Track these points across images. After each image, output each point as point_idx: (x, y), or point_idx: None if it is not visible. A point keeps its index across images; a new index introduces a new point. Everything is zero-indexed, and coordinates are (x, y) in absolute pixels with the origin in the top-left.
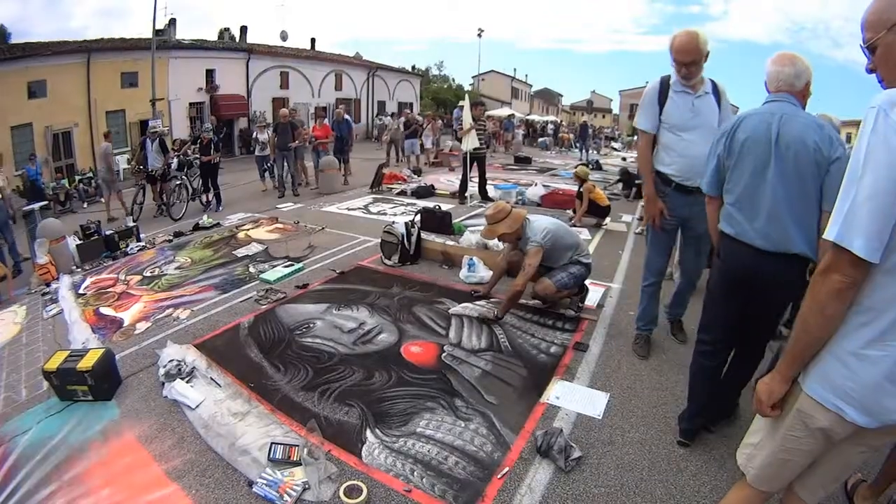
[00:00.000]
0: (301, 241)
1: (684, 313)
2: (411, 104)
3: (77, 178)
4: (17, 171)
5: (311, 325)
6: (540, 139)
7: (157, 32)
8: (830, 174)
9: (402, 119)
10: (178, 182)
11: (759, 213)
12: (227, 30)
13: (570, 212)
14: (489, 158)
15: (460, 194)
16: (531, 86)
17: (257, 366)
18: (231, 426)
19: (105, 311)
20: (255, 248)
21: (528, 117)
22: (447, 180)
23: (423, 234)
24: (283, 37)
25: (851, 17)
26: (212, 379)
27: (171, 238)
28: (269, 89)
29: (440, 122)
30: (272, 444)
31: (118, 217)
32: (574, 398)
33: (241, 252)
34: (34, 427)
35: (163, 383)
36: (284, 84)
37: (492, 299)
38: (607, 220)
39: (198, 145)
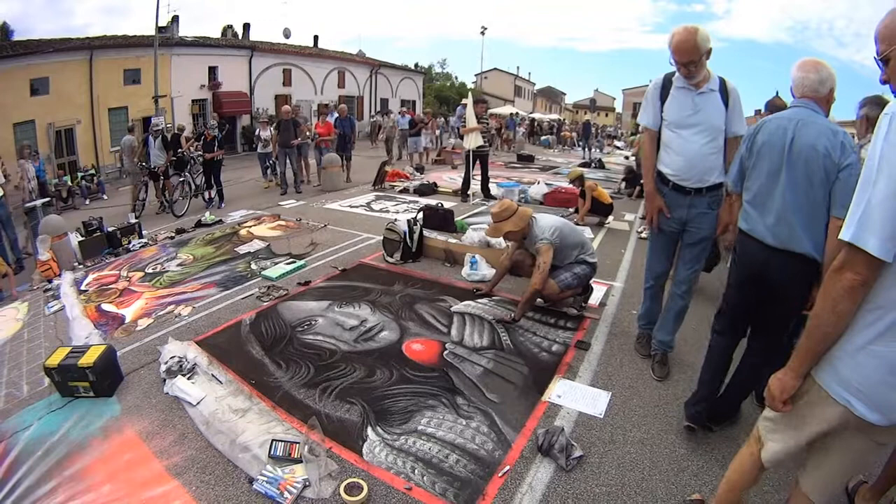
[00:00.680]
0: (303, 239)
1: (672, 344)
2: (414, 102)
3: (79, 174)
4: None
5: (313, 323)
6: (542, 137)
7: (159, 30)
8: (840, 180)
9: (397, 116)
10: (180, 179)
11: (770, 213)
12: (230, 27)
13: (572, 210)
14: (492, 156)
15: (463, 192)
16: (534, 84)
17: (259, 363)
18: (232, 423)
19: (107, 307)
20: (257, 244)
21: (531, 115)
22: (450, 178)
23: (426, 232)
24: (286, 34)
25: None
26: (213, 376)
27: (173, 235)
28: (271, 86)
29: (442, 119)
30: (273, 441)
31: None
32: (575, 397)
33: (243, 249)
34: (35, 423)
35: (164, 380)
36: (287, 81)
37: (494, 297)
38: (610, 218)
39: (201, 142)
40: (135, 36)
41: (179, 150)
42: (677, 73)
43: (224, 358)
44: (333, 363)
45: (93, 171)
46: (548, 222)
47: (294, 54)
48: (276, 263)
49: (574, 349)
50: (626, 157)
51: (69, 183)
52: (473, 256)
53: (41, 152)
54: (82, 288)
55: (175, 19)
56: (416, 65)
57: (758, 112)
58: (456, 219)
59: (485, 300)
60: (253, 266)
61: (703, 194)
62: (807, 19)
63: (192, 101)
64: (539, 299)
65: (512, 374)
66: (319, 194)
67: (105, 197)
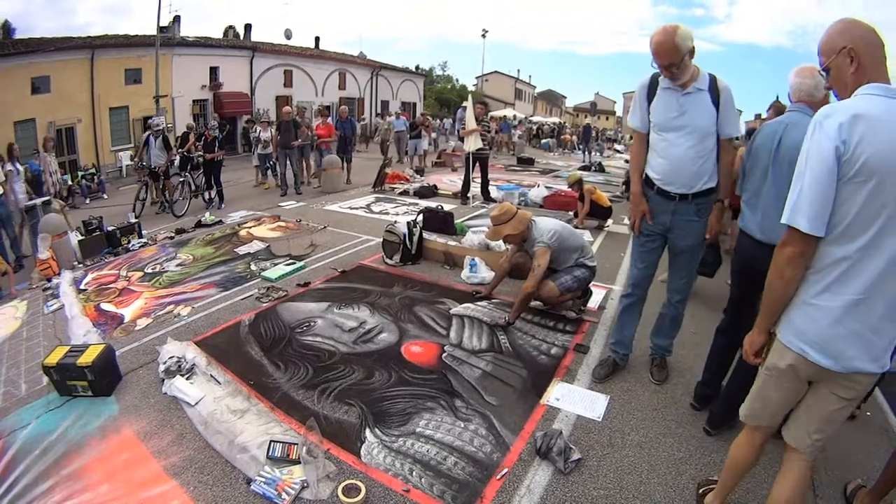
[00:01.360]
0: (303, 240)
1: (670, 349)
2: (414, 104)
3: (80, 173)
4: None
5: (312, 324)
6: (543, 141)
7: (161, 29)
8: None
9: (394, 118)
10: (180, 179)
11: (759, 209)
12: (231, 27)
13: (571, 214)
14: (491, 159)
15: (463, 195)
16: (535, 87)
17: (257, 363)
18: (230, 424)
19: (106, 307)
20: (256, 245)
21: (530, 118)
22: (450, 180)
23: (425, 234)
24: (288, 35)
25: None
26: (211, 376)
27: (172, 235)
28: (272, 87)
29: (438, 121)
30: (271, 441)
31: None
32: (574, 400)
33: (242, 250)
34: (33, 422)
35: (162, 380)
36: (288, 82)
37: (493, 300)
38: (609, 221)
39: (201, 142)
40: (136, 35)
41: (180, 149)
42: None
43: (223, 358)
44: (332, 364)
45: (93, 171)
46: (547, 225)
47: (295, 55)
48: (276, 264)
49: (573, 352)
50: (627, 161)
51: (69, 182)
52: (473, 259)
53: (41, 151)
54: (81, 287)
55: (177, 19)
56: (417, 67)
57: (758, 116)
58: (456, 221)
59: (484, 303)
60: (252, 267)
61: (689, 201)
62: (806, 23)
63: (193, 101)
64: (538, 302)
65: (510, 377)
66: (319, 196)
67: (105, 196)
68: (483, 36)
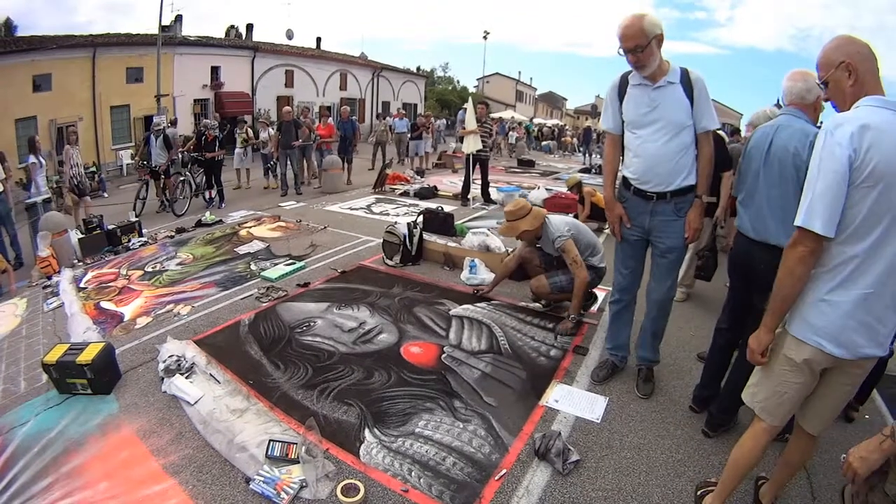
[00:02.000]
0: (303, 240)
1: (657, 359)
2: (416, 105)
3: (54, 178)
4: (21, 164)
5: (312, 324)
6: (543, 143)
7: (163, 28)
8: None
9: (392, 119)
10: (181, 178)
11: (752, 209)
12: (233, 27)
13: (571, 216)
14: (491, 161)
15: (463, 196)
16: (536, 89)
17: (257, 363)
18: (229, 423)
19: (106, 305)
20: (256, 245)
21: (531, 120)
22: (450, 182)
23: (425, 235)
24: (289, 35)
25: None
26: (211, 375)
27: (173, 234)
28: (273, 87)
29: (442, 121)
30: (270, 441)
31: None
32: (573, 401)
33: (242, 249)
34: (32, 419)
35: (162, 378)
36: (289, 82)
37: (493, 301)
38: (607, 224)
39: (202, 142)
40: (138, 34)
41: (172, 150)
42: (634, 70)
43: (222, 358)
44: (332, 365)
45: (94, 169)
46: (561, 220)
47: (297, 55)
48: (276, 264)
49: (572, 354)
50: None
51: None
52: (472, 260)
53: (42, 149)
54: (81, 285)
55: (178, 18)
56: (419, 68)
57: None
58: (456, 223)
59: (483, 304)
60: (252, 267)
61: (668, 199)
62: (809, 27)
63: (195, 100)
64: (537, 303)
65: (510, 378)
66: (320, 196)
67: (106, 195)
68: (484, 37)
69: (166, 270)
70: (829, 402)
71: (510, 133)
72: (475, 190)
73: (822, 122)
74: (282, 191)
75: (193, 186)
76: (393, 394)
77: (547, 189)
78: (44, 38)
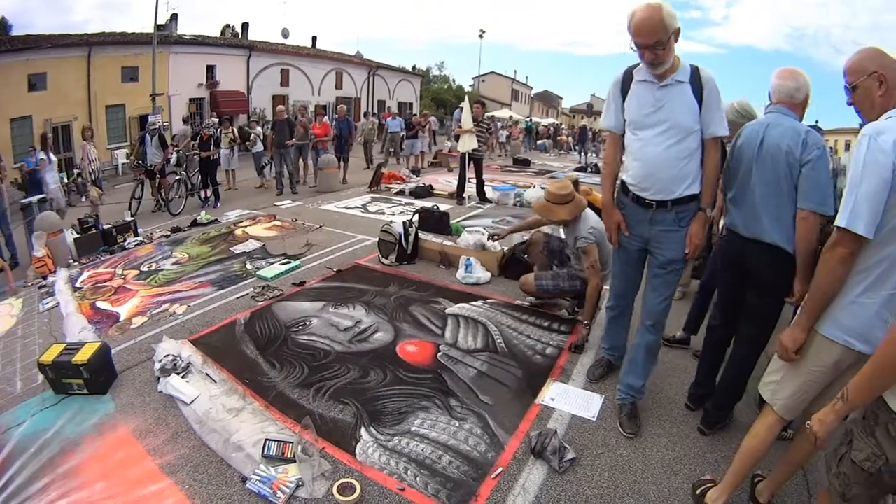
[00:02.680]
0: (298, 239)
1: (643, 390)
2: (411, 104)
3: (75, 171)
4: (16, 164)
5: (308, 323)
6: (539, 142)
7: (158, 27)
8: (802, 174)
9: (389, 119)
10: (176, 177)
11: (743, 207)
12: (229, 26)
13: None
14: (487, 160)
15: (458, 195)
16: (531, 88)
17: (253, 362)
18: (225, 422)
19: (101, 305)
20: (252, 244)
21: (527, 119)
22: (445, 181)
23: (421, 234)
24: (285, 34)
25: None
26: (207, 375)
27: (168, 233)
28: (269, 86)
29: (433, 118)
30: (266, 440)
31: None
32: (569, 400)
33: (238, 249)
34: (28, 420)
35: (158, 378)
36: (285, 81)
37: (489, 300)
38: None
39: (197, 141)
40: (133, 33)
41: (167, 149)
42: (640, 66)
43: (218, 357)
44: (327, 364)
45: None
46: (595, 220)
47: (292, 54)
48: (272, 263)
49: (568, 352)
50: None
51: (65, 180)
52: (468, 259)
53: (37, 149)
54: (77, 285)
55: (174, 17)
56: (414, 67)
57: None
58: (451, 221)
59: (479, 302)
60: (248, 266)
61: (668, 208)
62: (804, 26)
63: (190, 99)
64: (531, 297)
65: (505, 377)
66: (315, 195)
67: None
68: (480, 36)
69: (162, 270)
70: None
71: (501, 131)
72: (471, 189)
73: (817, 122)
74: (277, 190)
75: (189, 186)
76: (389, 392)
77: (542, 188)
78: (39, 37)
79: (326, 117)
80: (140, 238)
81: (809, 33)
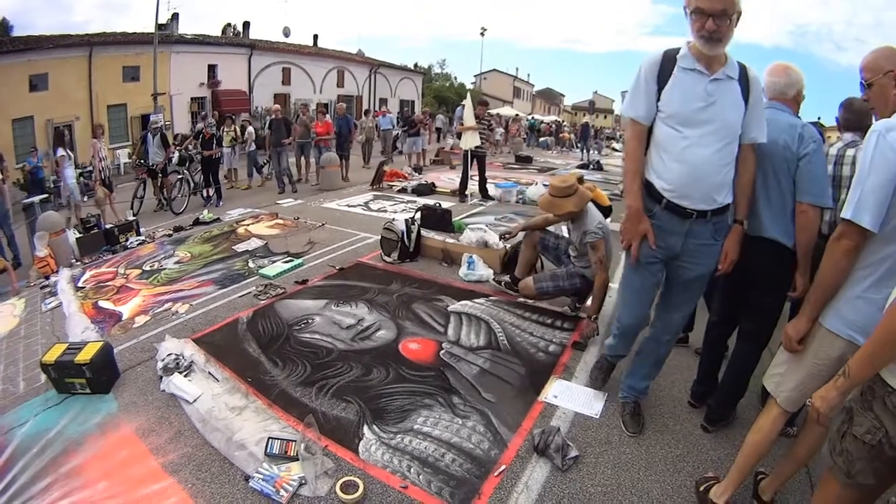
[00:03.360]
0: (301, 237)
1: (647, 391)
2: (413, 102)
3: (77, 171)
4: (18, 164)
5: (310, 321)
6: (541, 139)
7: (159, 27)
8: (800, 168)
9: (380, 117)
10: (179, 176)
11: None
12: (230, 25)
13: None
14: (489, 157)
15: (461, 192)
16: (533, 85)
17: (255, 361)
18: (228, 421)
19: (104, 304)
20: (254, 243)
21: (529, 116)
22: (448, 178)
23: (423, 232)
24: (286, 33)
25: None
26: (210, 373)
27: (170, 233)
28: (270, 85)
29: (445, 119)
30: (269, 438)
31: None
32: (572, 397)
33: (240, 247)
34: (31, 419)
35: (160, 377)
36: (286, 80)
37: (491, 297)
38: (608, 220)
39: (199, 140)
40: (134, 33)
41: (169, 148)
42: (684, 52)
43: (221, 356)
44: (330, 362)
45: (90, 169)
46: (600, 215)
47: (293, 53)
48: (274, 262)
49: (571, 349)
50: (625, 160)
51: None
52: (471, 256)
53: (39, 149)
54: (79, 285)
55: (175, 17)
56: (416, 65)
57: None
58: (454, 219)
59: (482, 300)
60: (250, 264)
61: (707, 219)
62: (806, 23)
63: (192, 98)
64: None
65: (508, 374)
66: (317, 193)
67: None
68: (482, 34)
69: (164, 269)
70: None
71: (496, 129)
72: (473, 186)
73: (819, 119)
74: (279, 188)
75: (191, 185)
76: (391, 390)
77: (545, 185)
78: (40, 37)
79: (328, 115)
80: (142, 237)
81: (812, 30)
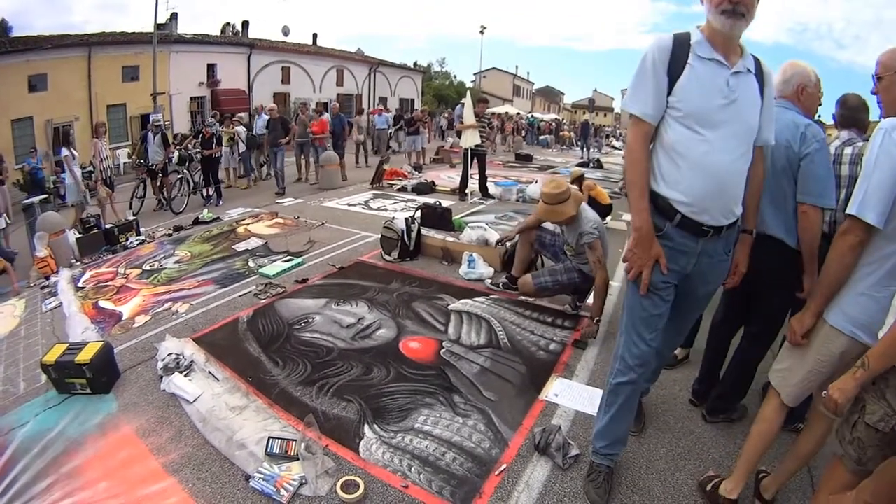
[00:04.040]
0: (301, 236)
1: (647, 391)
2: (413, 100)
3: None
4: (18, 165)
5: (310, 320)
6: (541, 137)
7: (158, 27)
8: (801, 168)
9: (375, 116)
10: (179, 176)
11: None
12: (229, 24)
13: None
14: (490, 156)
15: (461, 191)
16: (533, 83)
17: (256, 360)
18: (229, 420)
19: (104, 304)
20: (254, 242)
21: (529, 114)
22: (448, 177)
23: (423, 230)
24: (285, 32)
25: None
26: (210, 373)
27: (170, 232)
28: (270, 84)
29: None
30: (270, 438)
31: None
32: (573, 396)
33: (240, 246)
34: (32, 420)
35: (161, 377)
36: (286, 79)
37: (492, 296)
38: (608, 219)
39: (199, 139)
40: (133, 33)
41: (168, 147)
42: (698, 37)
43: (221, 355)
44: (330, 361)
45: (90, 169)
46: (593, 214)
47: (293, 52)
48: (274, 261)
49: (571, 348)
50: (625, 158)
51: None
52: (471, 255)
53: (39, 149)
54: (80, 285)
55: (174, 16)
56: (415, 63)
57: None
58: (454, 217)
59: (482, 298)
60: (250, 264)
61: (720, 235)
62: (807, 21)
63: (191, 98)
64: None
65: (509, 373)
66: (317, 192)
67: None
68: (481, 32)
69: (164, 268)
70: None
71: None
72: (473, 185)
73: (819, 116)
74: (279, 188)
75: (191, 184)
76: (392, 389)
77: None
78: (39, 38)
79: (327, 114)
80: (142, 237)
81: (812, 28)
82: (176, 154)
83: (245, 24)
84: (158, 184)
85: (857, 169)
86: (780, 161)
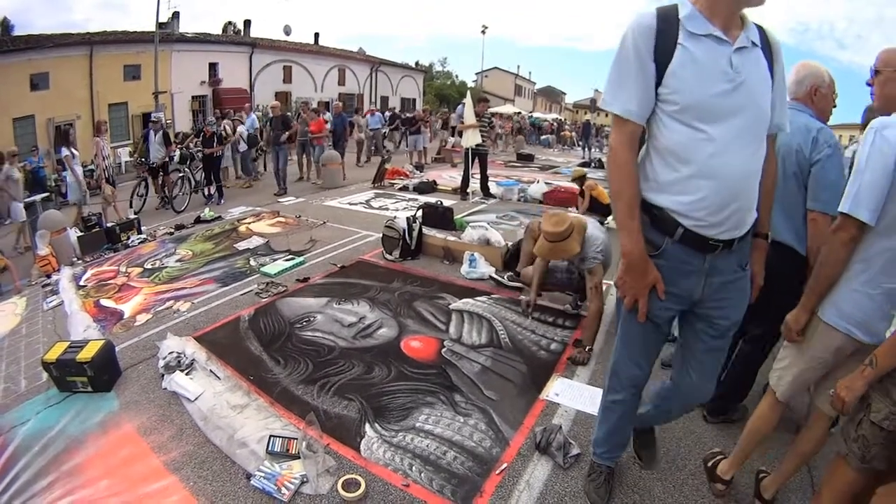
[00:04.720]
0: (302, 235)
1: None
2: (414, 100)
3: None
4: (19, 164)
5: (312, 319)
6: (542, 137)
7: (160, 25)
8: (812, 174)
9: (369, 116)
10: (180, 175)
11: None
12: (231, 23)
13: (571, 209)
14: (491, 155)
15: (462, 190)
16: (534, 83)
17: (257, 359)
18: (230, 418)
19: (105, 302)
20: (256, 241)
21: (529, 114)
22: (449, 176)
23: (425, 230)
24: (287, 31)
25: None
26: (211, 371)
27: (172, 231)
28: (272, 83)
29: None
30: (271, 436)
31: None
32: (574, 395)
33: (242, 245)
34: (33, 418)
35: (162, 375)
36: (287, 78)
37: (493, 296)
38: (609, 218)
39: (200, 138)
40: (135, 32)
41: (170, 146)
42: (688, 9)
43: (222, 354)
44: (332, 360)
45: (92, 167)
46: (597, 235)
47: (295, 51)
48: (275, 260)
49: (572, 347)
50: None
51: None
52: (472, 254)
53: (40, 147)
54: (81, 283)
55: (175, 15)
56: (417, 63)
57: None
58: (455, 217)
59: (483, 298)
60: (252, 262)
61: (732, 248)
62: (808, 20)
63: (193, 97)
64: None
65: (510, 372)
66: (319, 191)
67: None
68: (483, 32)
69: (166, 267)
70: None
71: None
72: (474, 184)
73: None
74: (280, 189)
75: (192, 183)
76: (393, 388)
77: (546, 183)
78: (40, 36)
79: (328, 114)
80: (144, 236)
81: (813, 27)
82: (177, 153)
83: (247, 23)
84: (160, 182)
85: None
86: (790, 166)
